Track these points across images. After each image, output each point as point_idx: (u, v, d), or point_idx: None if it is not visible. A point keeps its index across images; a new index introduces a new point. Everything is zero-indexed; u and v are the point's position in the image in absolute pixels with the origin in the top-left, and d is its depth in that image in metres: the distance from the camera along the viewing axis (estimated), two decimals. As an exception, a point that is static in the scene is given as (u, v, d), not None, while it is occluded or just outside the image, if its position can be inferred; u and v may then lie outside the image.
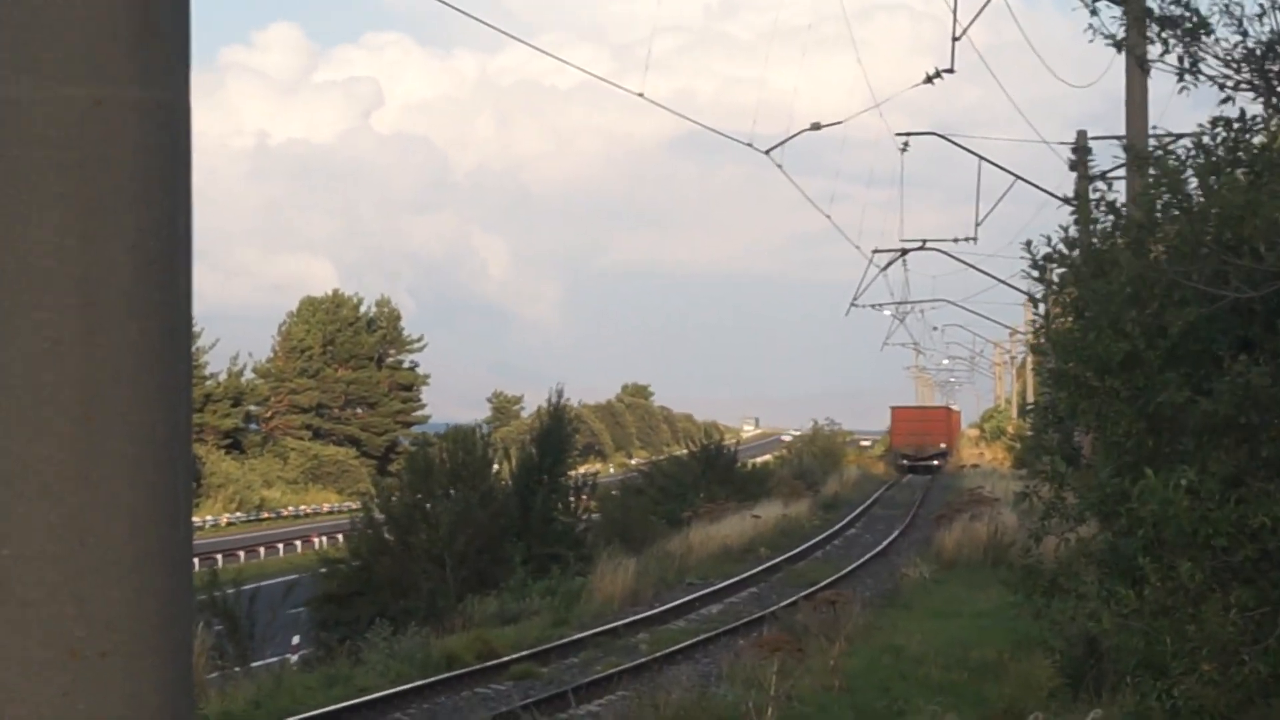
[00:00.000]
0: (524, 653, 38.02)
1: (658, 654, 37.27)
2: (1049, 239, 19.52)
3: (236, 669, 39.58)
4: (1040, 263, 19.37)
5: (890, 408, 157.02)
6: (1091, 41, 18.96)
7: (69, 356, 4.32)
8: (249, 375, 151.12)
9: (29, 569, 4.36)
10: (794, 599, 45.81)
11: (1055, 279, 19.47)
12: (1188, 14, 18.21)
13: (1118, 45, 19.73)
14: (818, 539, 69.02)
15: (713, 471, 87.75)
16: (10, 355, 4.33)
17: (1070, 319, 18.31)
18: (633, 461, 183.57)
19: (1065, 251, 19.24)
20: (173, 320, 4.53)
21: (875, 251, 77.44)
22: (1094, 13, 19.06)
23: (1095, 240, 18.75)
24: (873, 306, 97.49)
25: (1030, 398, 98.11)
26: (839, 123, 49.06)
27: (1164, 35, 18.45)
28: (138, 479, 4.36)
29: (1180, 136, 20.23)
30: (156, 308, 4.43)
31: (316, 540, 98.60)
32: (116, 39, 4.42)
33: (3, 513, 4.35)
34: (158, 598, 4.44)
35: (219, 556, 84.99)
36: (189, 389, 4.65)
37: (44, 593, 4.35)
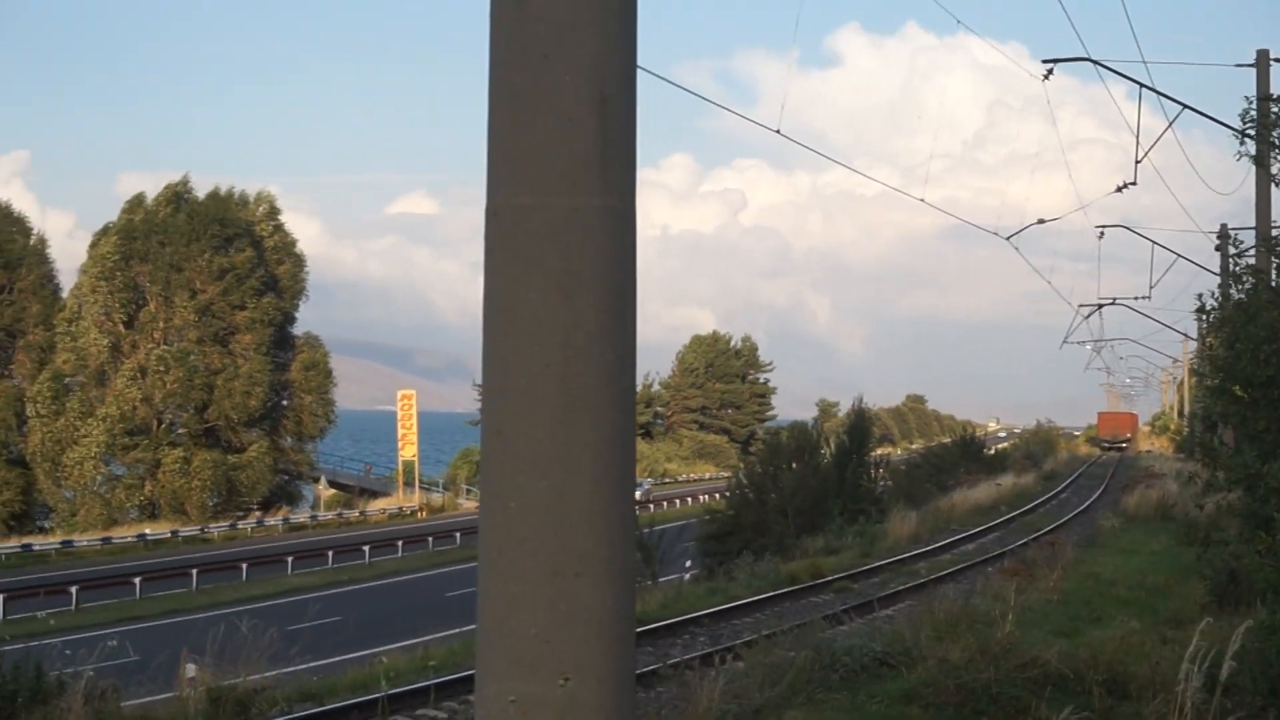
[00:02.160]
0: (841, 574, 38.45)
1: (933, 576, 37.10)
2: (1211, 294, 19.91)
3: (649, 583, 40.20)
4: (1204, 310, 19.69)
5: (1098, 413, 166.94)
6: (1238, 160, 19.43)
7: (555, 374, 4.42)
8: (656, 387, 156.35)
9: (526, 516, 4.45)
10: (1025, 540, 45.48)
11: (1212, 322, 19.83)
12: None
13: (1253, 159, 20.11)
14: (1040, 500, 67.96)
15: (968, 454, 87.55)
16: (517, 375, 4.44)
17: (1222, 350, 18.26)
18: (913, 446, 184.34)
19: (1218, 304, 19.48)
20: (623, 350, 4.60)
21: (1080, 306, 79.17)
22: (1241, 142, 19.43)
23: (1241, 295, 18.77)
24: (1078, 343, 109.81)
25: (1187, 407, 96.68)
26: (1056, 219, 48.25)
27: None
28: (600, 457, 4.44)
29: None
30: (612, 342, 4.50)
31: (702, 497, 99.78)
32: (587, 163, 4.48)
33: (511, 480, 4.46)
34: (612, 535, 4.50)
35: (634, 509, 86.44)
36: (633, 397, 4.71)
37: (536, 531, 4.44)
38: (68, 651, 24.44)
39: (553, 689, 4.43)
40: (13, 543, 73.44)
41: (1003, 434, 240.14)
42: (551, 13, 4.40)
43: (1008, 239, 44.85)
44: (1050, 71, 33.68)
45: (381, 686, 20.83)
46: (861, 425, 63.90)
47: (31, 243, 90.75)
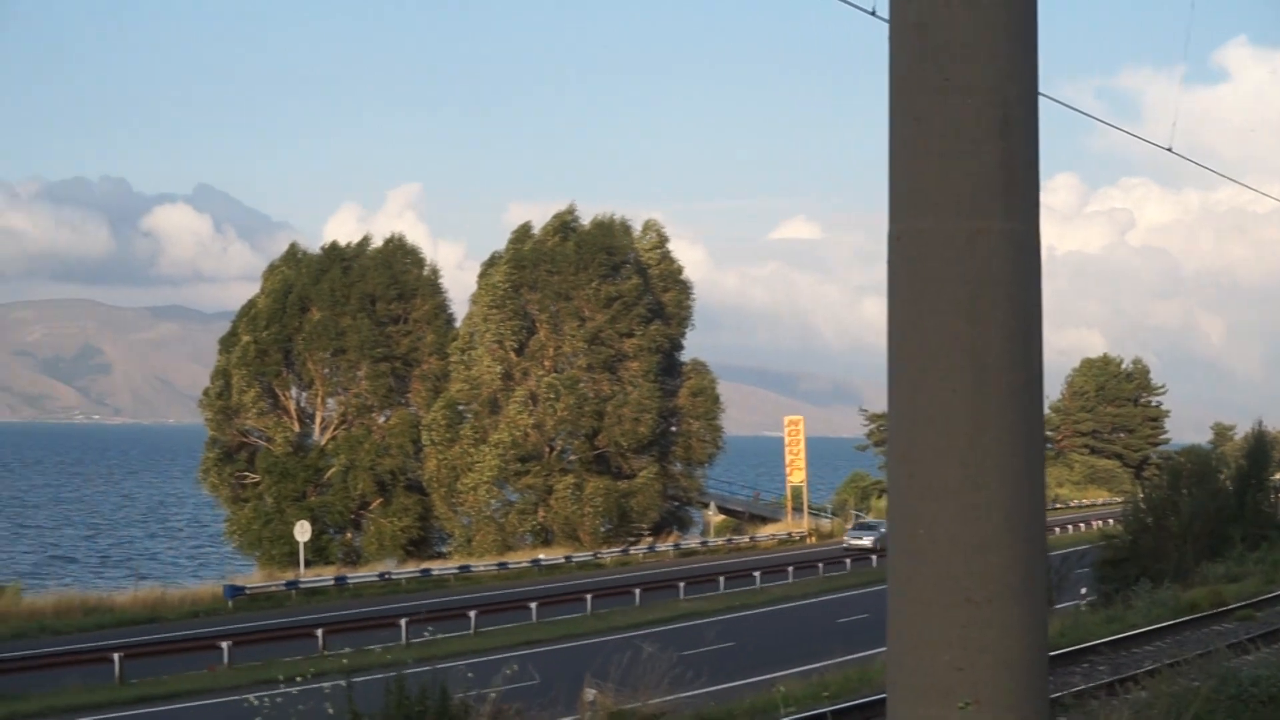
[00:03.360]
0: (1244, 602, 37.31)
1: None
2: None
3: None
4: None
5: None
6: None
7: (962, 400, 4.43)
8: (1046, 411, 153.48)
9: (936, 542, 4.48)
10: None
11: None
12: None
13: None
14: None
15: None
16: (924, 400, 4.47)
17: None
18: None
19: None
20: (1030, 375, 4.59)
21: None
22: None
23: None
24: None
25: None
26: None
27: None
28: (1009, 481, 4.44)
29: None
30: (1019, 367, 4.50)
31: (1095, 523, 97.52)
32: (989, 186, 4.49)
33: (919, 505, 4.49)
34: (1023, 560, 4.50)
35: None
36: (1041, 421, 4.70)
37: (946, 557, 4.47)
38: (470, 675, 25.23)
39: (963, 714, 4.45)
40: (412, 568, 76.18)
41: None
42: (952, 39, 4.43)
43: None
44: None
45: (780, 713, 20.99)
46: (1261, 449, 62.92)
47: (425, 273, 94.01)
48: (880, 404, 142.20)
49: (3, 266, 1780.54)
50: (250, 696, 22.93)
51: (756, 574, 70.65)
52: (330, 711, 20.87)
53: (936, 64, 4.47)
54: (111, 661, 41.45)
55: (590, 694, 24.60)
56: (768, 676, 35.52)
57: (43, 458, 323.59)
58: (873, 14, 10.90)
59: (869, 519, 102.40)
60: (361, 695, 22.13)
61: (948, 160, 4.59)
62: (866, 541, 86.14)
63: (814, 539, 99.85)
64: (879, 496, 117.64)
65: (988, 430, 4.49)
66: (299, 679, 23.15)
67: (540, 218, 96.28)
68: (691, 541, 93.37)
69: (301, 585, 67.32)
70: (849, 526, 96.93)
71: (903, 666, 4.56)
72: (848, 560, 79.03)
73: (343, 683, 22.03)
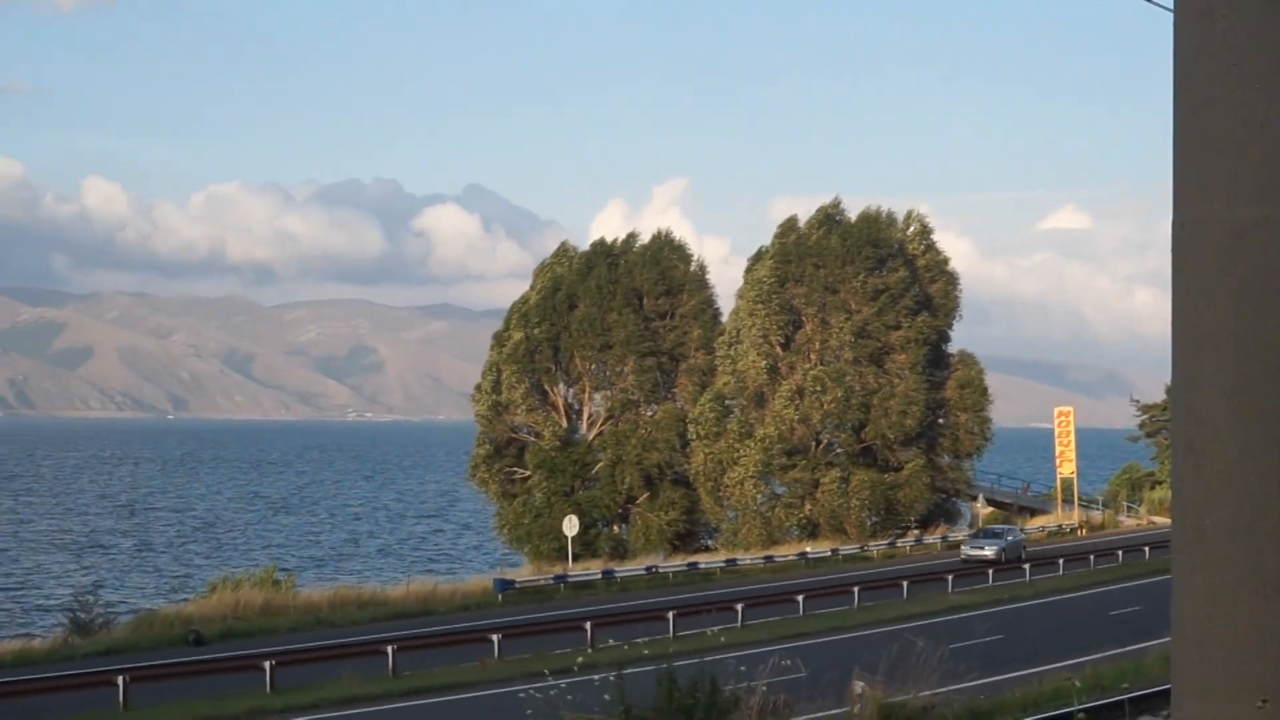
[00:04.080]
0: None
1: None
2: None
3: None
4: None
5: None
6: None
7: (1249, 391, 4.35)
8: None
9: (1221, 534, 4.41)
10: None
11: None
12: None
13: None
14: None
15: None
16: (1209, 391, 4.40)
17: None
18: None
19: None
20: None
21: None
22: None
23: None
24: None
25: None
26: None
27: None
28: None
29: None
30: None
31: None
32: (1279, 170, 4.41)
33: (1204, 497, 4.42)
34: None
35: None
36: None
37: (1231, 549, 4.39)
38: (743, 668, 25.32)
39: (1253, 711, 4.37)
40: (679, 561, 76.76)
41: None
42: (1239, 25, 4.35)
43: None
44: None
45: (1075, 701, 20.70)
46: None
47: (691, 269, 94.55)
48: (1152, 394, 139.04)
49: (279, 268, 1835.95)
50: (528, 688, 23.39)
51: (1025, 567, 69.73)
52: (606, 699, 21.21)
53: (1222, 49, 4.40)
54: (385, 654, 42.40)
55: (859, 686, 24.54)
56: (1038, 670, 35.03)
57: (316, 454, 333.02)
58: (1152, 0, 10.70)
59: (995, 525, 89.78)
60: (631, 687, 22.41)
61: (1235, 146, 4.50)
62: (989, 552, 75.47)
63: (1084, 531, 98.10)
64: (1151, 488, 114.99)
65: (1275, 422, 4.40)
66: (575, 668, 23.55)
67: (804, 211, 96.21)
68: (959, 534, 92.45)
69: (570, 579, 68.28)
70: (968, 533, 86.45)
71: (1187, 660, 4.50)
72: (1119, 552, 77.37)
73: (612, 676, 22.33)
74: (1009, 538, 78.56)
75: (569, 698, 22.79)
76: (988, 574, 67.72)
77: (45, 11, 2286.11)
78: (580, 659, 33.10)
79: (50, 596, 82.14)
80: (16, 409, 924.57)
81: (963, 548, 78.46)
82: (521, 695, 23.49)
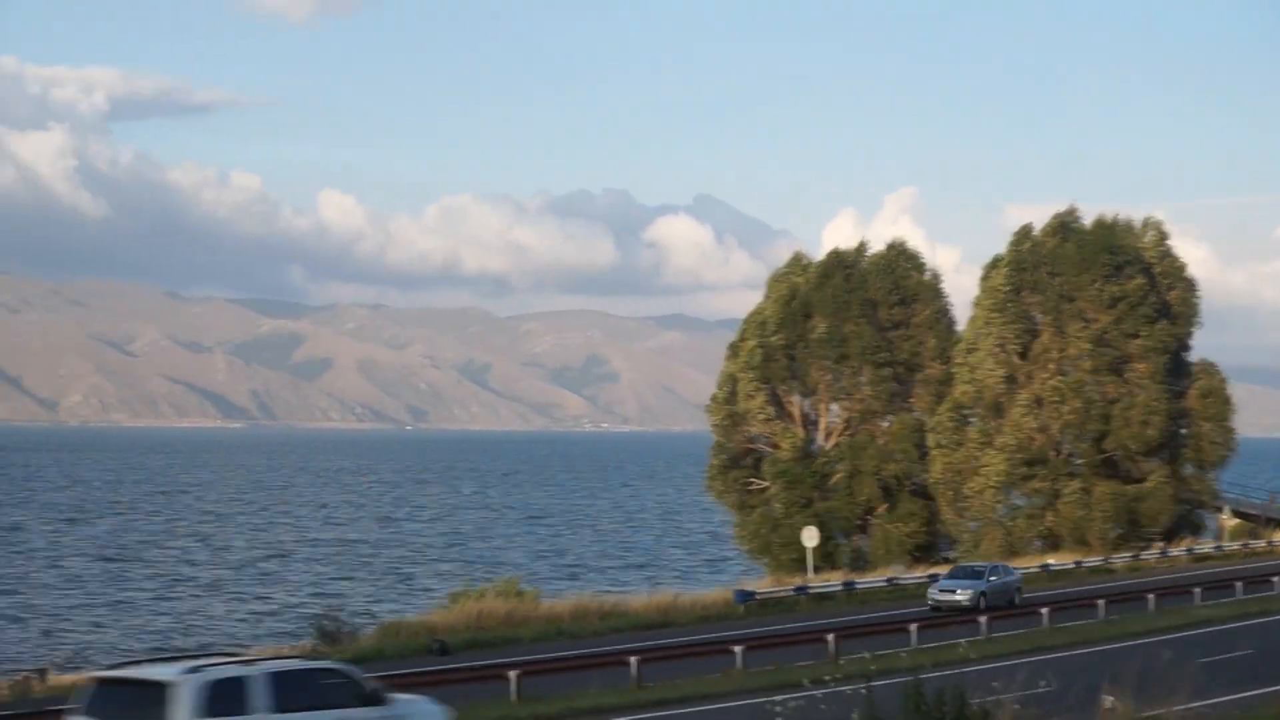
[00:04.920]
0: None
1: None
2: None
3: None
4: None
5: None
6: None
7: None
8: None
9: None
10: None
11: None
12: None
13: None
14: None
15: None
16: None
17: None
18: None
19: None
20: None
21: None
22: None
23: None
24: None
25: None
26: None
27: None
28: None
29: None
30: None
31: None
32: None
33: None
34: None
35: None
36: None
37: None
38: (995, 683, 25.37)
39: None
40: (919, 573, 76.49)
41: None
42: None
43: None
44: None
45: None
46: None
47: (925, 278, 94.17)
48: None
49: (513, 280, 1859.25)
50: (779, 698, 23.80)
51: (1276, 579, 68.29)
52: (853, 712, 21.54)
53: None
54: (628, 665, 42.86)
55: (1108, 700, 24.54)
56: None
57: (555, 465, 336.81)
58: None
59: (976, 562, 71.64)
60: (877, 700, 22.72)
61: None
62: (961, 597, 61.91)
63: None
64: None
65: None
66: (826, 678, 23.82)
67: (1038, 219, 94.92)
68: (1205, 546, 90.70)
69: (810, 590, 68.47)
70: (942, 575, 68.43)
71: None
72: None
73: (854, 688, 22.68)
74: (993, 578, 63.85)
75: (823, 708, 23.16)
76: (1234, 586, 66.40)
77: (277, 25, 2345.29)
78: (824, 672, 33.43)
79: (299, 605, 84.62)
80: (258, 419, 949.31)
81: (930, 590, 64.39)
82: (770, 707, 23.89)
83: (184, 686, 22.80)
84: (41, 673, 47.96)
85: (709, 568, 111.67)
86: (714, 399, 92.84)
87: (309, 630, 61.84)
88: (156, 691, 22.82)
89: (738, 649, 45.69)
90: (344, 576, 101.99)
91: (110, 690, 23.64)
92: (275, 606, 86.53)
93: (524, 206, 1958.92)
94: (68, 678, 50.41)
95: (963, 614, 57.66)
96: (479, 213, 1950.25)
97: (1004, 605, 61.07)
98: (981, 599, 61.11)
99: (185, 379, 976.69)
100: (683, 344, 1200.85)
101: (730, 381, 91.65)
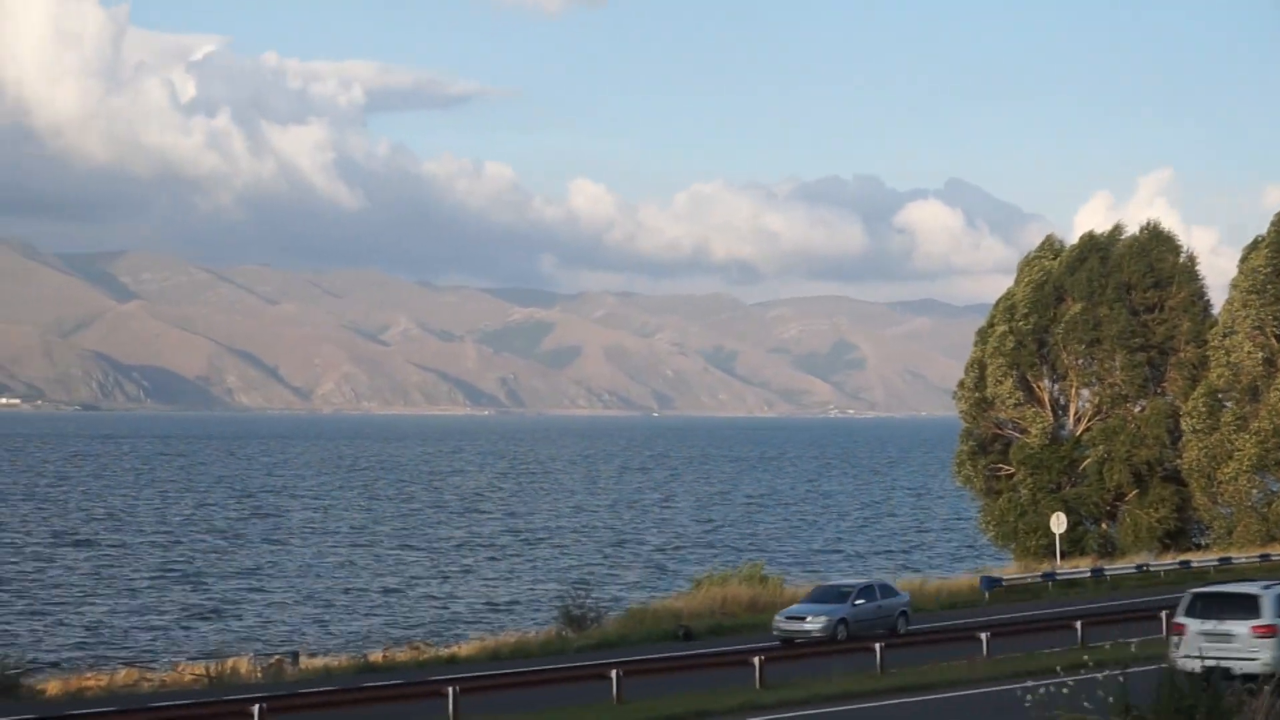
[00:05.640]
0: None
1: None
2: None
3: None
4: None
5: None
6: None
7: None
8: None
9: None
10: None
11: None
12: None
13: None
14: None
15: None
16: None
17: None
18: None
19: None
20: None
21: None
22: None
23: None
24: None
25: None
26: None
27: None
28: None
29: None
30: None
31: None
32: None
33: None
34: None
35: None
36: None
37: None
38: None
39: None
40: (1170, 560, 74.78)
41: None
42: None
43: None
44: None
45: None
46: None
47: (1181, 260, 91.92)
48: None
49: (760, 266, 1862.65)
50: (1029, 684, 23.35)
51: None
52: (1103, 697, 20.99)
53: None
54: (873, 651, 42.64)
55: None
56: None
57: (805, 450, 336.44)
58: None
59: (847, 582, 56.87)
60: (1130, 688, 22.17)
61: None
62: (811, 626, 49.43)
63: None
64: None
65: None
66: (1082, 662, 23.32)
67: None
68: None
69: (1058, 577, 67.34)
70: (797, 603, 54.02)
71: None
72: None
73: (1105, 674, 22.13)
74: (859, 601, 50.73)
75: (1066, 694, 22.69)
76: None
77: (531, 16, 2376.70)
78: (1071, 659, 32.68)
79: (544, 590, 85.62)
80: (508, 407, 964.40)
81: (775, 618, 51.39)
82: (1020, 693, 23.44)
83: (1266, 597, 33.06)
84: (294, 656, 49.19)
85: (955, 554, 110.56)
86: (962, 384, 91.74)
87: (554, 615, 62.52)
88: (1249, 600, 33.22)
89: (984, 635, 45.12)
90: (593, 562, 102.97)
91: (1208, 599, 33.96)
92: (522, 588, 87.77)
93: (773, 193, 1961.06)
94: (318, 660, 51.76)
95: (815, 645, 47.58)
96: (728, 199, 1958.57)
97: (881, 634, 48.61)
98: (840, 629, 49.36)
99: (435, 367, 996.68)
100: (931, 329, 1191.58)
101: (978, 367, 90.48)
